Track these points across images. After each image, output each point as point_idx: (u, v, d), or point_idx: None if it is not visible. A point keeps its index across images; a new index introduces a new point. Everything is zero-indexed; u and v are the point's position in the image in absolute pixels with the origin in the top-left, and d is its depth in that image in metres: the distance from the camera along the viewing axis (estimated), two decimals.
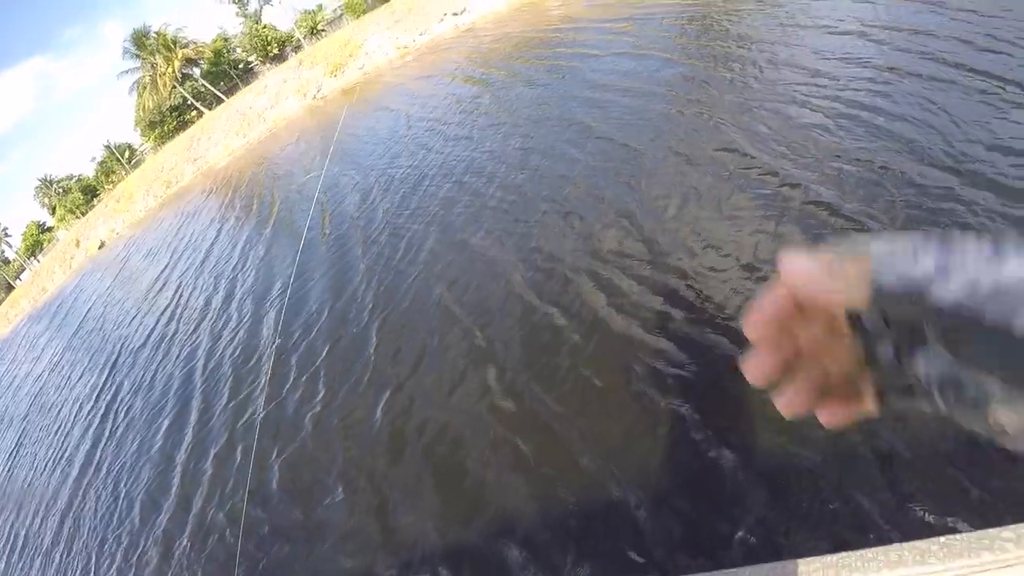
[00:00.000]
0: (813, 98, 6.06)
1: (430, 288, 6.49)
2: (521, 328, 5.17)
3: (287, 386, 6.33)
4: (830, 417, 0.41)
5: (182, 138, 38.32)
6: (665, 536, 3.19)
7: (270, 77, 33.67)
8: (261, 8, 49.88)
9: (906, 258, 0.34)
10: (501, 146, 9.26)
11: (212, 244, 15.12)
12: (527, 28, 17.71)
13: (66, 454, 9.08)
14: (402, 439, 4.73)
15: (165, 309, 12.28)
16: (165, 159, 35.36)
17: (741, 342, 3.17)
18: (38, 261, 60.68)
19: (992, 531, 1.49)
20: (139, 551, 5.61)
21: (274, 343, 7.34)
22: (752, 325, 0.40)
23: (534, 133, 9.07)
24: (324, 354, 6.52)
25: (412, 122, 13.73)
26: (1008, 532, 1.48)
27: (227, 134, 30.26)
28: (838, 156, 5.09)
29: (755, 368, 0.40)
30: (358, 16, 39.42)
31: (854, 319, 0.38)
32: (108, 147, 64.89)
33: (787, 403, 0.41)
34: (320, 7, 50.44)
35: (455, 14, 24.62)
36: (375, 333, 6.32)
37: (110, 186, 57.53)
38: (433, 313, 6.05)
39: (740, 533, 3.01)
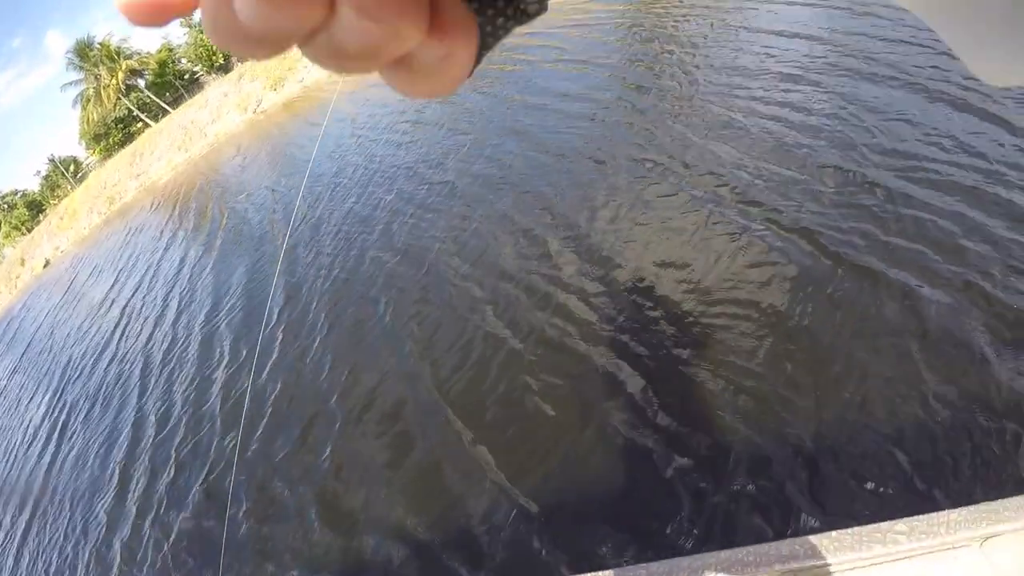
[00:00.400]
0: (737, 99, 6.68)
1: (375, 293, 7.12)
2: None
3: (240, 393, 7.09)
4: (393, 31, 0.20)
5: (125, 153, 38.26)
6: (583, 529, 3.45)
7: (211, 91, 33.98)
8: None
9: None
10: (439, 160, 9.97)
11: (159, 260, 15.63)
12: None
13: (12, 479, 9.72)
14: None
15: (114, 328, 12.81)
16: (108, 175, 35.30)
17: (675, 336, 4.16)
18: None
19: (884, 524, 1.57)
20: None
21: (224, 363, 8.07)
22: None
23: (476, 140, 9.80)
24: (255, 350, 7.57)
25: (359, 132, 14.44)
26: (901, 525, 1.55)
27: (169, 149, 30.55)
28: (762, 156, 5.59)
29: None
30: None
31: None
32: (53, 161, 63.59)
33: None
34: None
35: None
36: (326, 342, 6.87)
37: (55, 201, 56.50)
38: (382, 318, 6.59)
39: (668, 524, 3.23)
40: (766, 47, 7.68)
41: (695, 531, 3.15)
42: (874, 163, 5.02)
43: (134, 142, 40.11)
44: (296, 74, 26.74)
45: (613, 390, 4.16)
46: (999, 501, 1.56)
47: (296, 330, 7.39)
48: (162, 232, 18.83)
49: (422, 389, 5.19)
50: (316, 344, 6.87)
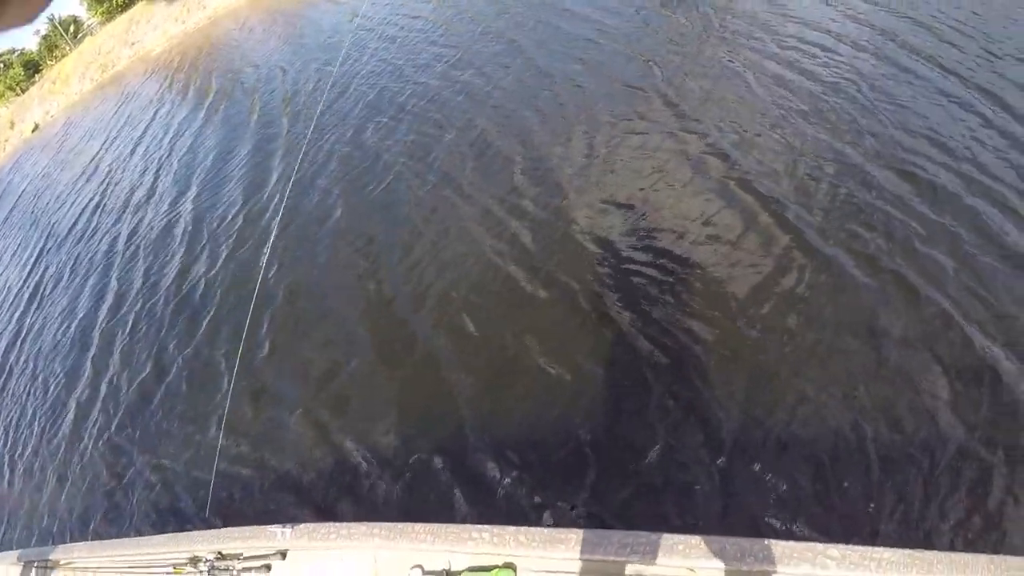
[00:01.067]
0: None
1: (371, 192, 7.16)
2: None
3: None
4: None
5: (122, 19, 36.53)
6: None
7: None
8: None
9: None
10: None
11: (147, 130, 15.44)
12: None
13: None
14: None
15: (96, 197, 12.80)
16: (103, 41, 33.94)
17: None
18: None
19: (819, 546, 1.57)
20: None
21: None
22: None
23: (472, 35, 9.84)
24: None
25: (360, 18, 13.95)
26: (834, 551, 1.56)
27: (166, 19, 29.22)
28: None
29: None
30: None
31: None
32: (52, 20, 60.85)
33: None
34: None
35: None
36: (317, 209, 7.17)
37: (53, 62, 54.56)
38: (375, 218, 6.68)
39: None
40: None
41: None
42: (876, 153, 4.75)
43: (131, 9, 38.24)
44: None
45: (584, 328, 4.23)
46: (936, 552, 1.54)
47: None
48: (153, 102, 18.43)
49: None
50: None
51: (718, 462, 3.19)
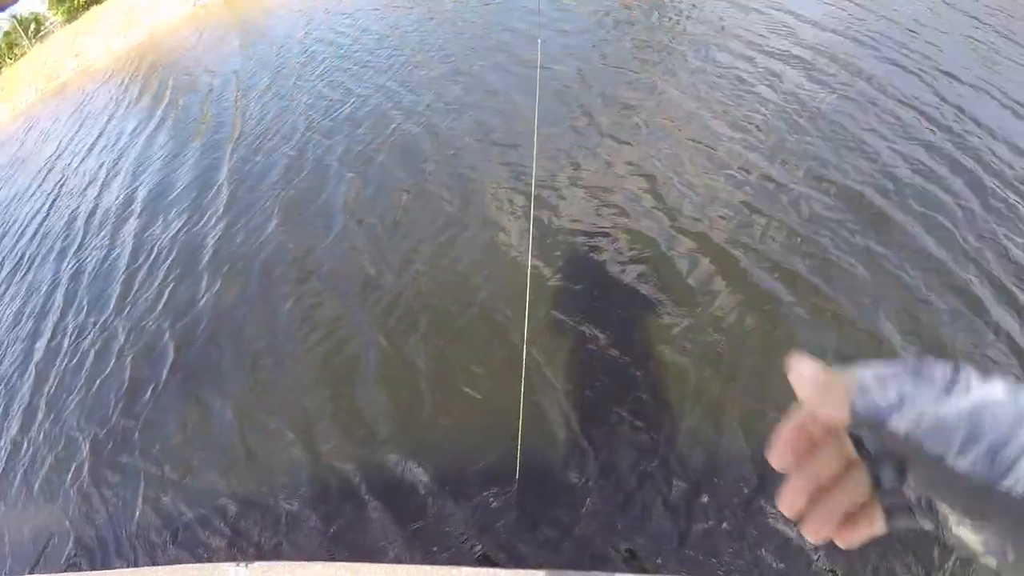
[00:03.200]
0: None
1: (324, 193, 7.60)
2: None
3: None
4: (848, 540, 0.44)
5: (68, 30, 38.14)
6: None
7: None
8: None
9: (879, 386, 0.39)
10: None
11: (93, 141, 15.50)
12: None
13: None
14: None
15: (38, 207, 12.86)
16: (48, 51, 35.55)
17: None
18: None
19: None
20: None
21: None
22: (777, 454, 0.44)
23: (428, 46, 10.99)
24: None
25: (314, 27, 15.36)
26: None
27: (109, 32, 31.14)
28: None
29: (789, 500, 0.45)
30: None
31: (859, 442, 0.43)
32: (14, 17, 60.92)
33: (815, 531, 0.45)
34: None
35: None
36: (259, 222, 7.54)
37: (11, 60, 54.89)
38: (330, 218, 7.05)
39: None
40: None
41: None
42: (854, 168, 5.43)
43: (76, 21, 39.59)
44: None
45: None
46: None
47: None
48: (97, 113, 18.94)
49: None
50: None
51: (669, 492, 3.39)
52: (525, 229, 5.49)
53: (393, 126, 8.54)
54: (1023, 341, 3.90)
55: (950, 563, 2.79)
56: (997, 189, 5.18)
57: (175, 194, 9.68)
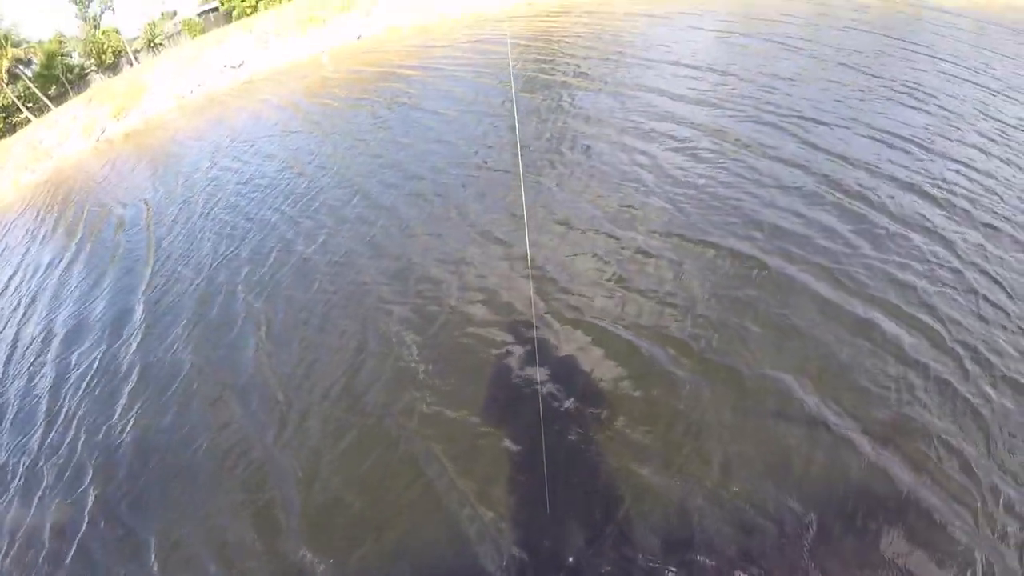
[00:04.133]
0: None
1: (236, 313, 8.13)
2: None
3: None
4: None
5: None
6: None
7: (62, 111, 34.63)
8: (102, 13, 48.74)
9: None
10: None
11: (10, 276, 15.28)
12: (302, 84, 21.98)
13: None
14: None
15: None
16: None
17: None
18: None
19: None
20: None
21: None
22: None
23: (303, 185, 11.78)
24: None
25: (216, 163, 16.00)
26: None
27: (17, 167, 31.16)
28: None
29: None
30: (194, 36, 41.61)
31: None
32: None
33: None
34: (165, 15, 50.49)
35: (233, 67, 28.05)
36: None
37: None
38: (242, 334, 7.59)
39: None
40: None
41: None
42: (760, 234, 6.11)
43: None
44: (140, 105, 28.42)
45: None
46: None
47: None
48: (9, 249, 18.67)
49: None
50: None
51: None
52: (414, 345, 6.12)
53: (296, 251, 9.18)
54: (920, 357, 4.57)
55: None
56: (874, 219, 5.97)
57: (92, 328, 9.86)
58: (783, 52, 10.68)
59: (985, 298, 5.19)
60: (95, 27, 48.50)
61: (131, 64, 41.59)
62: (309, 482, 5.16)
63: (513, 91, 12.71)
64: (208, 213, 12.56)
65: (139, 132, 26.13)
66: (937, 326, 4.94)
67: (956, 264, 5.59)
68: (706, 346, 5.08)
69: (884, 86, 9.33)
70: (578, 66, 13.70)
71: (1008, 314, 5.02)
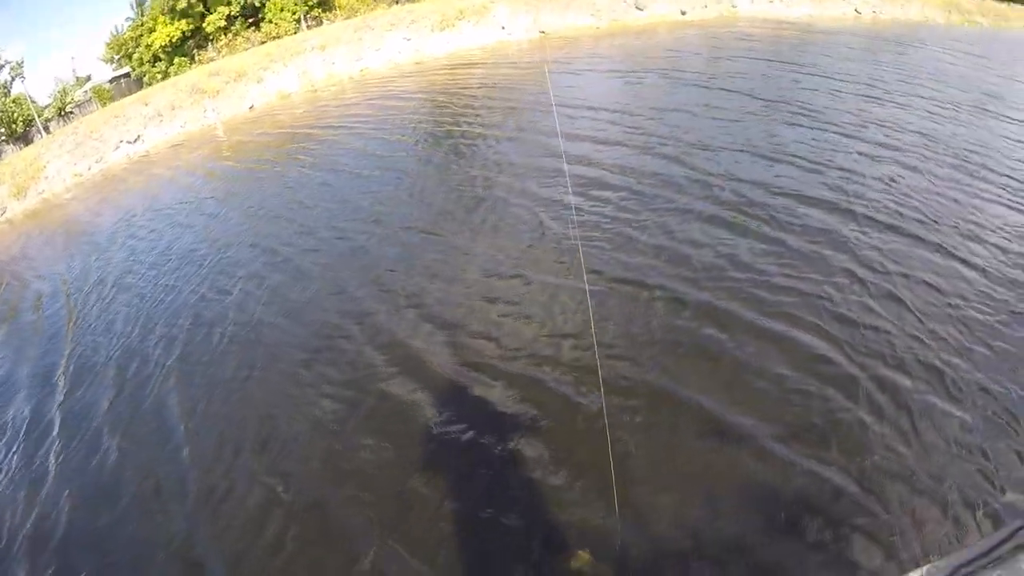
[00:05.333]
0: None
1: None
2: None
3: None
4: None
5: None
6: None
7: None
8: (12, 81, 46.34)
9: None
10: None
11: None
12: (198, 155, 22.63)
13: None
14: None
15: None
16: None
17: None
18: None
19: None
20: None
21: None
22: None
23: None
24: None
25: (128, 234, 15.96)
26: None
27: None
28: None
29: None
30: (104, 104, 40.58)
31: None
32: None
33: None
34: (79, 80, 48.83)
35: (129, 142, 28.21)
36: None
37: None
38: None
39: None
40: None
41: None
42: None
43: None
44: (38, 184, 27.82)
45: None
46: None
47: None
48: None
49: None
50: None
51: None
52: (355, 413, 6.50)
53: (217, 328, 9.17)
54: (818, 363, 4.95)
55: None
56: (774, 235, 6.36)
57: (8, 426, 9.07)
58: (678, 86, 11.66)
59: (887, 298, 5.69)
60: (5, 95, 46.17)
61: (41, 134, 40.17)
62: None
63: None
64: (124, 282, 12.64)
65: (39, 211, 25.46)
66: (836, 331, 5.42)
67: (853, 267, 6.07)
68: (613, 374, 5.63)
69: (771, 108, 10.29)
70: (478, 116, 14.89)
71: (904, 315, 5.55)
